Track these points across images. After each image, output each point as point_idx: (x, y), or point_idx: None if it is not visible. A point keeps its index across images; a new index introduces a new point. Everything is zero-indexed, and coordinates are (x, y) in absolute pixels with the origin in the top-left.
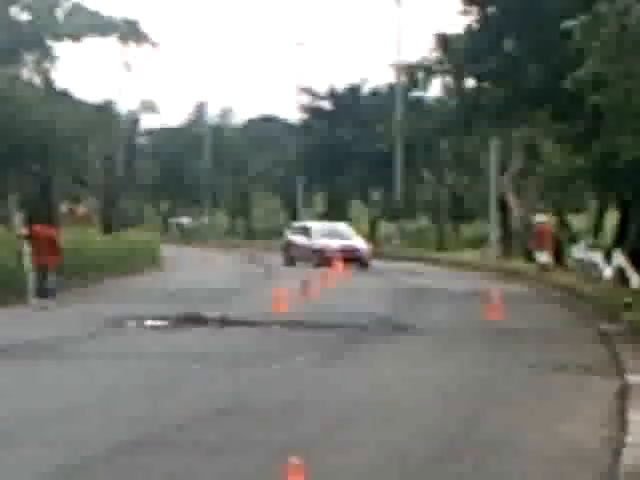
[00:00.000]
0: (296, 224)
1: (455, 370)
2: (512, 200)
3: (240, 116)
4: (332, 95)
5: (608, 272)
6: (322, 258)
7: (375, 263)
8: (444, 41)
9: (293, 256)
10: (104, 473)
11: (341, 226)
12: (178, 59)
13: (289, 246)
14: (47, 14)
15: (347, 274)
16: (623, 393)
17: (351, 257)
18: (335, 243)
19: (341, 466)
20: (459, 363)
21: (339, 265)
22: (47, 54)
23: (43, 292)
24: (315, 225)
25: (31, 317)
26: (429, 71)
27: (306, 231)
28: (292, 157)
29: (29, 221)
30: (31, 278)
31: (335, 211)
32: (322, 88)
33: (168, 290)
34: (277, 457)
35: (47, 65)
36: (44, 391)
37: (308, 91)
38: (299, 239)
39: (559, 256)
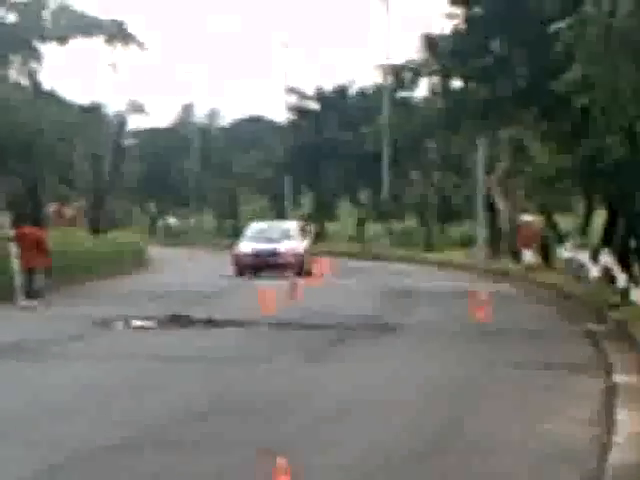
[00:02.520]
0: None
1: (441, 369)
2: (499, 200)
3: (227, 117)
4: (319, 96)
5: (595, 272)
6: (237, 265)
7: (363, 264)
8: (431, 42)
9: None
10: (87, 473)
11: (283, 225)
12: (165, 60)
13: (231, 254)
14: (34, 16)
15: (333, 275)
16: (610, 392)
17: (266, 264)
18: (249, 247)
19: (325, 465)
20: (445, 362)
21: (250, 275)
22: (34, 55)
23: (31, 293)
24: (251, 226)
25: (18, 318)
26: (416, 72)
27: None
28: (279, 157)
29: (16, 222)
30: (19, 280)
31: (322, 212)
32: (309, 89)
33: (155, 291)
34: (262, 456)
35: (34, 66)
36: (28, 392)
37: (295, 92)
38: (236, 244)
39: (546, 256)
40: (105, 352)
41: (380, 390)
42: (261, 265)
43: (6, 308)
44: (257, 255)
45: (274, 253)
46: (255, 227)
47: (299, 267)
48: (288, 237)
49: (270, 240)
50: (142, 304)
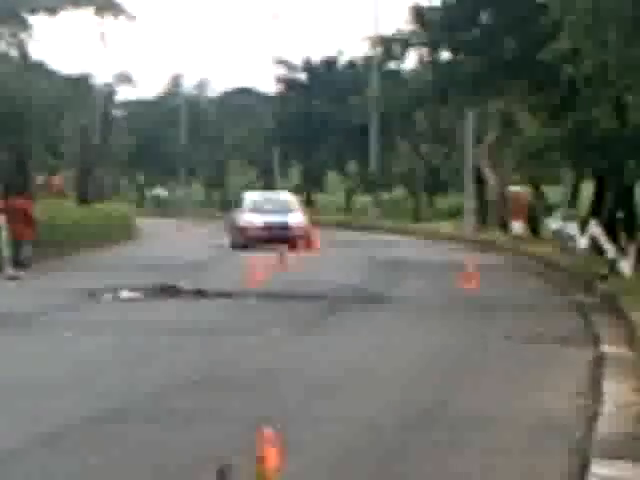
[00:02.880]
0: (244, 196)
1: (430, 340)
2: (487, 171)
3: (216, 88)
4: (308, 67)
5: (583, 243)
6: (245, 237)
7: (351, 234)
8: (420, 13)
9: (231, 236)
10: (78, 442)
11: (281, 196)
12: (154, 31)
13: (231, 225)
14: None
15: (322, 246)
16: (597, 363)
17: (278, 237)
18: (260, 219)
19: (316, 435)
20: (434, 333)
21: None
22: (23, 27)
23: (18, 263)
24: (249, 196)
25: (4, 289)
26: (405, 43)
27: (241, 204)
28: (268, 129)
29: (5, 194)
30: (7, 251)
31: (311, 182)
32: (298, 60)
33: (143, 262)
34: (251, 427)
35: (23, 38)
36: (15, 363)
37: (284, 63)
38: (236, 215)
39: (535, 227)
40: (93, 324)
41: (369, 362)
42: (272, 238)
43: None
44: (269, 228)
45: (286, 226)
46: (254, 198)
47: (307, 240)
48: (292, 209)
49: (277, 212)
50: (130, 275)
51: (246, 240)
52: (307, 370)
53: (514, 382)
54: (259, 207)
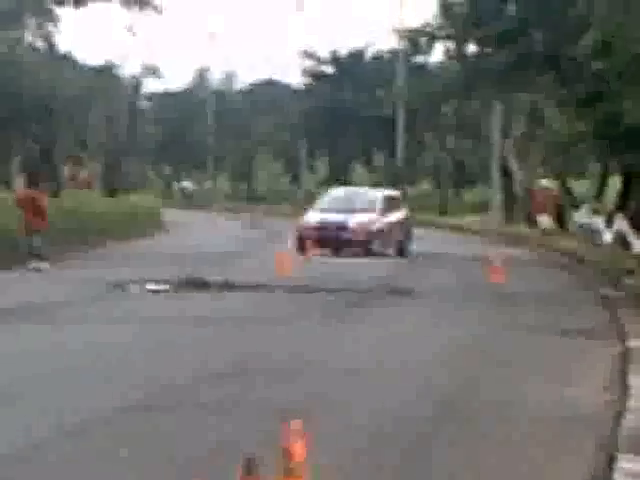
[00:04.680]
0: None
1: (455, 332)
2: (514, 165)
3: (243, 80)
4: (335, 59)
5: (609, 237)
6: (298, 239)
7: None
8: (446, 6)
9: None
10: (104, 434)
11: (363, 193)
12: (181, 23)
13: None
14: None
15: None
16: (624, 357)
17: (333, 239)
18: (317, 218)
19: (342, 425)
20: (460, 325)
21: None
22: (50, 18)
23: (32, 255)
24: (330, 192)
25: (30, 281)
26: (431, 36)
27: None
28: (295, 121)
29: (30, 184)
30: (27, 241)
31: (337, 176)
32: (325, 53)
33: (170, 254)
34: (278, 418)
35: (50, 29)
36: (42, 355)
37: (311, 55)
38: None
39: (561, 221)
40: (120, 315)
41: (395, 353)
42: (326, 240)
43: (20, 270)
44: (320, 228)
45: (342, 226)
46: (334, 195)
47: (369, 245)
48: (364, 209)
49: (349, 211)
50: (157, 267)
51: (300, 241)
52: (334, 360)
53: (539, 374)
54: (331, 206)
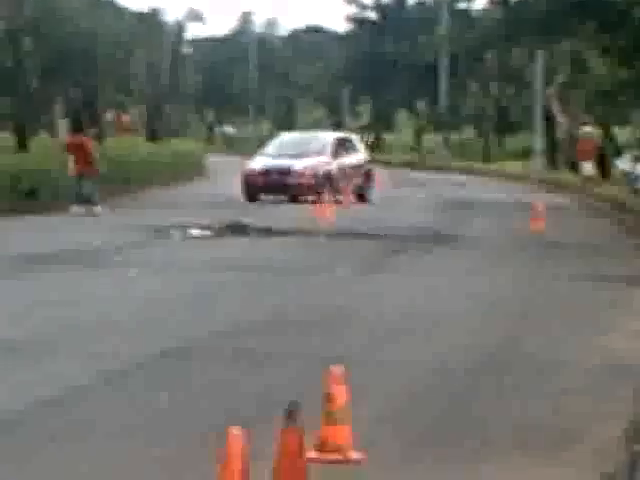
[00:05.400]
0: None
1: (495, 281)
2: (557, 112)
3: (286, 27)
4: (378, 6)
5: None
6: (244, 184)
7: (420, 174)
8: None
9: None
10: (142, 381)
11: (314, 138)
12: None
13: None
14: None
15: (391, 186)
16: None
17: (278, 184)
18: (261, 163)
19: (380, 379)
20: (499, 275)
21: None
22: None
23: (79, 199)
24: (277, 138)
25: (75, 225)
26: None
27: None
28: (338, 68)
29: (74, 129)
30: (76, 187)
31: (381, 122)
32: None
33: (212, 200)
34: (319, 367)
35: None
36: (82, 301)
37: (354, 2)
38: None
39: (604, 168)
40: (162, 261)
41: (437, 304)
42: (271, 186)
43: (64, 214)
44: (265, 173)
45: (285, 171)
46: (280, 140)
47: (308, 190)
48: (315, 153)
49: (295, 156)
50: (199, 212)
51: (246, 186)
52: (372, 312)
53: (580, 325)
54: (278, 151)
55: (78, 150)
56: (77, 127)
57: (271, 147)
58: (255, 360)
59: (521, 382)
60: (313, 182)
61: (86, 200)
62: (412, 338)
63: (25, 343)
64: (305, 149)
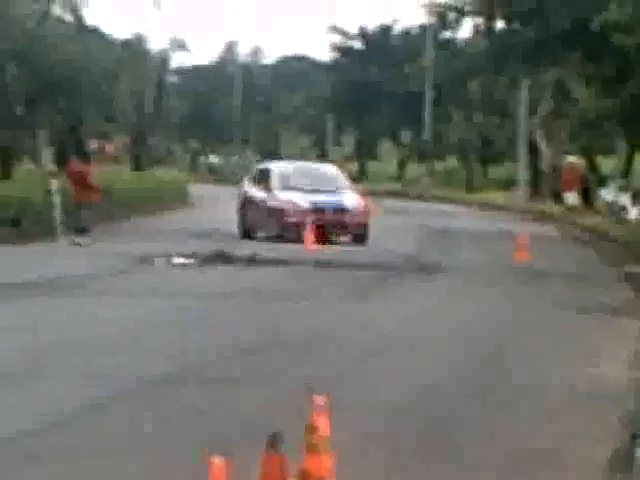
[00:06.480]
0: (260, 166)
1: (482, 309)
2: (542, 142)
3: (271, 55)
4: (363, 35)
5: (635, 213)
6: (283, 225)
7: (404, 204)
8: None
9: (249, 222)
10: (129, 406)
11: (323, 169)
12: None
13: (244, 205)
14: None
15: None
16: None
17: (333, 223)
18: (305, 199)
19: (368, 402)
20: (485, 301)
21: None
22: None
23: (77, 229)
24: (278, 168)
25: (58, 254)
26: (460, 12)
27: (267, 179)
28: (322, 96)
29: (58, 158)
30: (59, 217)
31: (364, 151)
32: (353, 28)
33: (197, 228)
34: (302, 393)
35: (77, 2)
36: (67, 326)
37: (339, 31)
38: (257, 193)
39: (588, 198)
40: (147, 288)
41: (422, 328)
42: (327, 224)
43: (47, 244)
44: (318, 211)
45: (342, 208)
46: (288, 170)
47: (364, 228)
48: (338, 187)
49: (323, 190)
50: (184, 241)
51: (285, 226)
52: (357, 335)
53: (565, 351)
54: (294, 183)
55: (76, 177)
56: (73, 154)
57: (282, 179)
58: (239, 384)
59: (504, 404)
60: (367, 221)
61: (80, 229)
62: (396, 360)
63: (7, 367)
64: (331, 183)
